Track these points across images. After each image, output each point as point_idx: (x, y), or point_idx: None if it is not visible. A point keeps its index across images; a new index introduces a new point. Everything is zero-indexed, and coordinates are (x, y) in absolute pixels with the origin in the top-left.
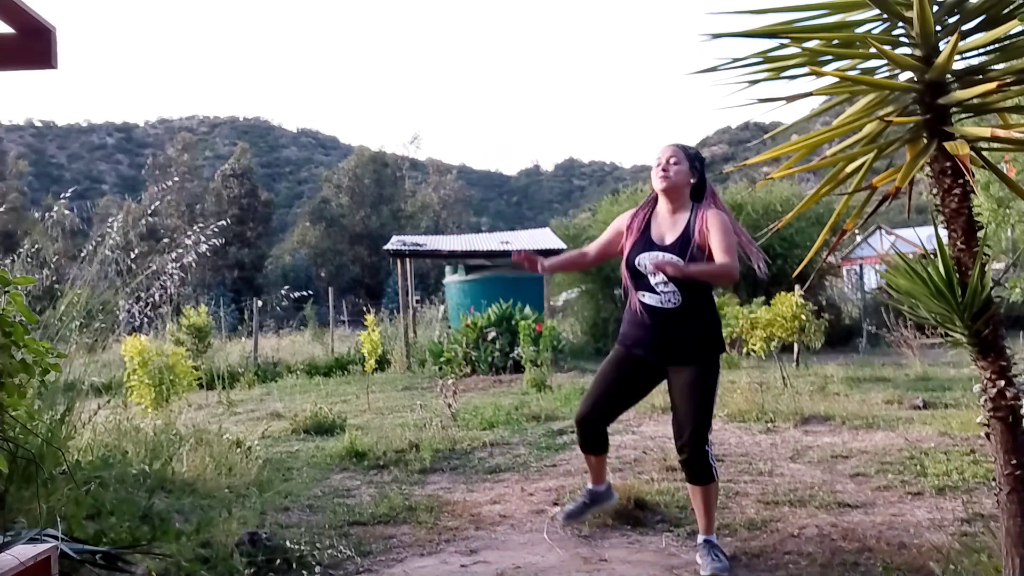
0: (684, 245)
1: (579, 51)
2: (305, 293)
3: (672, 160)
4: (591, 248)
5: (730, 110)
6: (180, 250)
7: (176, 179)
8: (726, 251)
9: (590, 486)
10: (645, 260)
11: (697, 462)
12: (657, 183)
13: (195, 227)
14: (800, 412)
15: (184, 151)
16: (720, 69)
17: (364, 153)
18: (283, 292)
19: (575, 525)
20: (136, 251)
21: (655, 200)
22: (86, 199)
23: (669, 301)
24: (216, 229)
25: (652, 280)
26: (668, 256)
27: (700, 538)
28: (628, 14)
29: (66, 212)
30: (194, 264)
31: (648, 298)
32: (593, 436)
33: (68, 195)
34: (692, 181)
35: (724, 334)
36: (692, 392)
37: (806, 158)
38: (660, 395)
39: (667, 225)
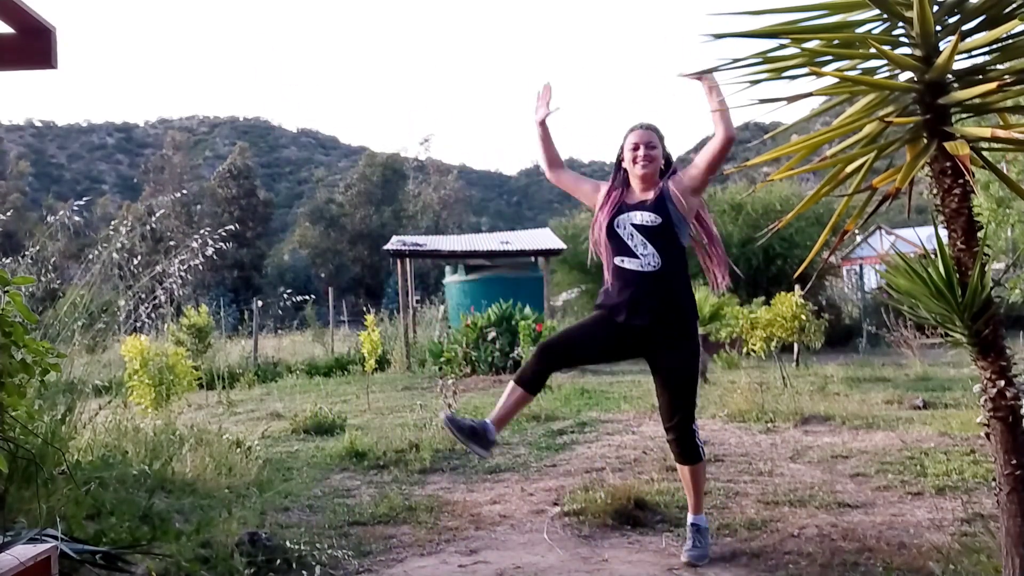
0: (661, 204)
1: (579, 51)
2: (306, 298)
3: (650, 144)
4: (566, 169)
5: (730, 110)
6: (185, 254)
7: (180, 193)
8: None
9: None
10: (625, 221)
11: (686, 441)
12: (637, 169)
13: (202, 231)
14: (800, 412)
15: (177, 150)
16: (720, 69)
17: (374, 156)
18: (285, 295)
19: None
20: (139, 257)
21: (625, 178)
22: (86, 199)
23: (649, 264)
24: (224, 233)
25: (631, 243)
26: (647, 215)
27: (689, 518)
28: (628, 14)
29: (76, 219)
30: (201, 267)
31: (628, 262)
32: (544, 371)
33: (81, 203)
34: (662, 164)
35: (724, 334)
36: (680, 376)
37: (806, 158)
38: None
39: (640, 195)
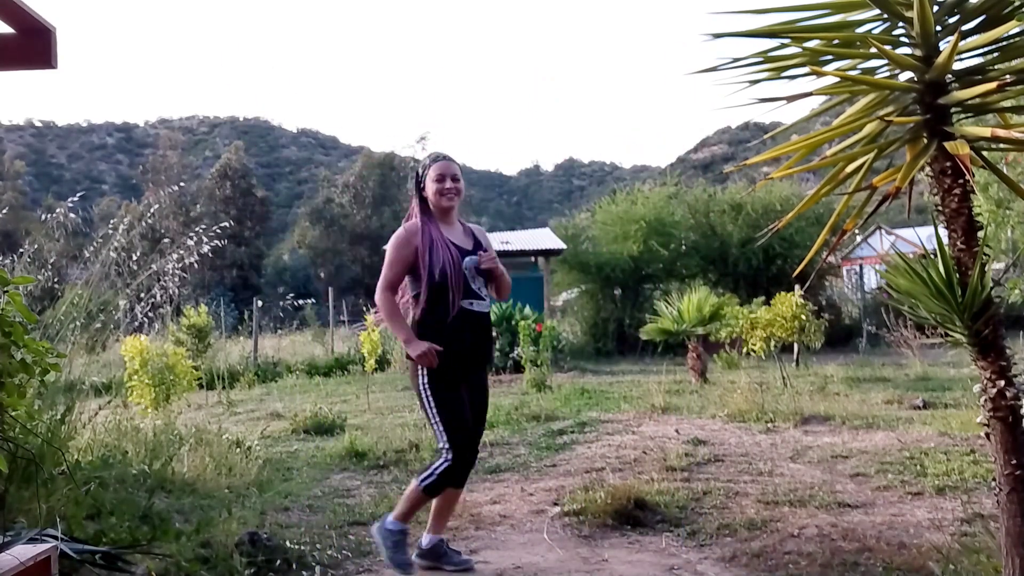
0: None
1: (579, 51)
2: (307, 301)
3: (456, 177)
4: (398, 287)
5: (730, 110)
6: (181, 251)
7: (175, 186)
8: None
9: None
10: (470, 264)
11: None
12: (444, 202)
13: (196, 228)
14: (800, 412)
15: (172, 149)
16: (721, 69)
17: (371, 156)
18: (287, 298)
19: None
20: (138, 254)
21: (427, 212)
22: (86, 199)
23: (487, 306)
24: (218, 231)
25: (474, 286)
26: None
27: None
28: (629, 14)
29: (70, 215)
30: (196, 264)
31: (476, 305)
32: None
33: (75, 199)
34: None
35: (724, 334)
36: (487, 397)
37: (806, 158)
38: (660, 395)
39: (454, 235)
